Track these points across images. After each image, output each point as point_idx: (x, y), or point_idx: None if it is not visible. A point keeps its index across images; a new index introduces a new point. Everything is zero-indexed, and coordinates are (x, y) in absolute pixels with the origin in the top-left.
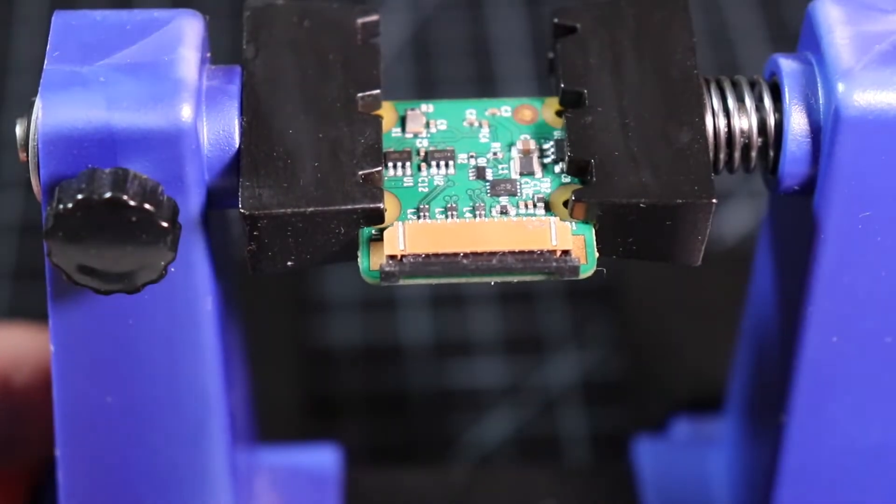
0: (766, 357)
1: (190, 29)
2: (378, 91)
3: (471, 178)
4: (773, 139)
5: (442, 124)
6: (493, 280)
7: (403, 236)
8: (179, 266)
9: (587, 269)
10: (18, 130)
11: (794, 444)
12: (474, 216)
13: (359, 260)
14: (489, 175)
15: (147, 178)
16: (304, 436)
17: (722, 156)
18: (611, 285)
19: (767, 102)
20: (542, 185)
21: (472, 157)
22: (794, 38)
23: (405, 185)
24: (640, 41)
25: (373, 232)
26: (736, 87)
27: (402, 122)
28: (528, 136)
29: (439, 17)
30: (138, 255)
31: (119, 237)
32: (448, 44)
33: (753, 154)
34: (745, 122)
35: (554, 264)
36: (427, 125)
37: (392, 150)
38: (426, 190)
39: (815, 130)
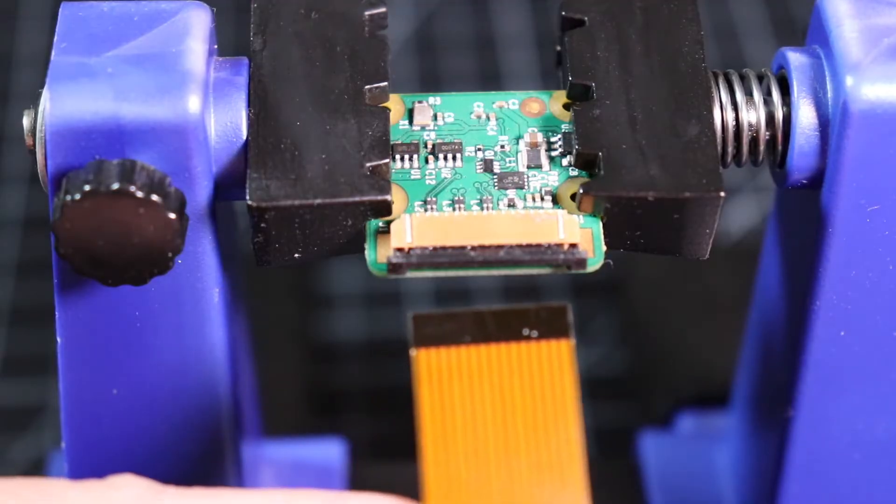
0: (772, 351)
1: (197, 20)
2: (385, 83)
3: (478, 171)
4: (781, 133)
5: (449, 117)
6: (500, 273)
7: (411, 228)
8: (186, 258)
9: (595, 263)
10: (25, 122)
11: (801, 438)
12: (482, 209)
13: (366, 252)
14: (496, 168)
15: (154, 169)
16: (309, 430)
17: (730, 149)
18: (616, 280)
19: (776, 96)
20: (550, 178)
21: (479, 149)
22: (800, 33)
23: (412, 177)
24: (647, 34)
25: (380, 224)
26: (744, 80)
27: (410, 114)
28: (535, 129)
29: (443, 12)
30: (145, 246)
31: (126, 228)
32: (452, 38)
33: (761, 147)
34: (753, 115)
35: (562, 257)
36: (434, 118)
37: (399, 142)
38: (433, 182)
39: (824, 124)
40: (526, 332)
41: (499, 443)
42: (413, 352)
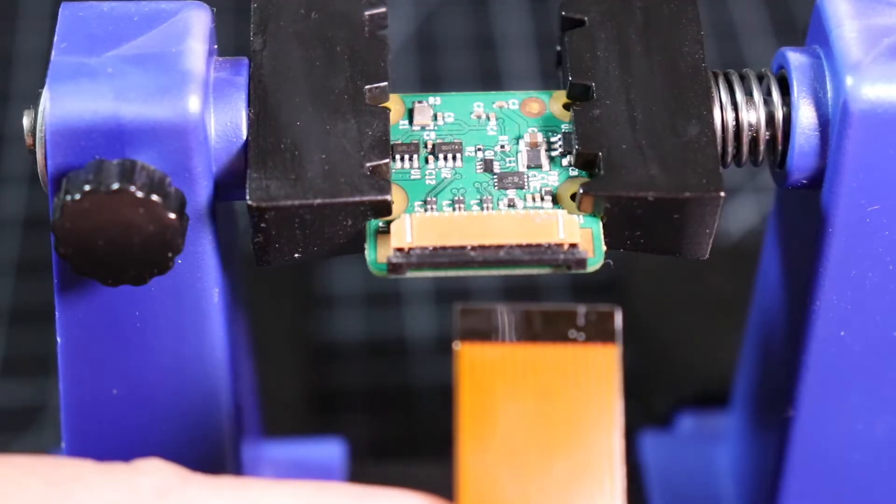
0: (772, 351)
1: (197, 20)
2: (385, 83)
3: (478, 171)
4: (781, 132)
5: (449, 117)
6: (500, 273)
7: (411, 228)
8: (186, 258)
9: (594, 263)
10: (25, 122)
11: (801, 438)
12: (482, 209)
13: (366, 252)
14: (496, 168)
15: (154, 169)
16: (309, 430)
17: (730, 149)
18: (616, 280)
19: (776, 96)
20: (550, 178)
21: (479, 149)
22: (800, 33)
23: (412, 177)
24: (647, 34)
25: (380, 224)
26: (744, 80)
27: (410, 114)
28: (535, 129)
29: (443, 12)
30: (145, 246)
31: (126, 228)
32: (452, 38)
33: (761, 147)
34: (753, 115)
35: (561, 257)
36: (434, 118)
37: (399, 142)
38: (433, 182)
39: (824, 124)
40: (572, 334)
41: (536, 445)
42: (456, 345)
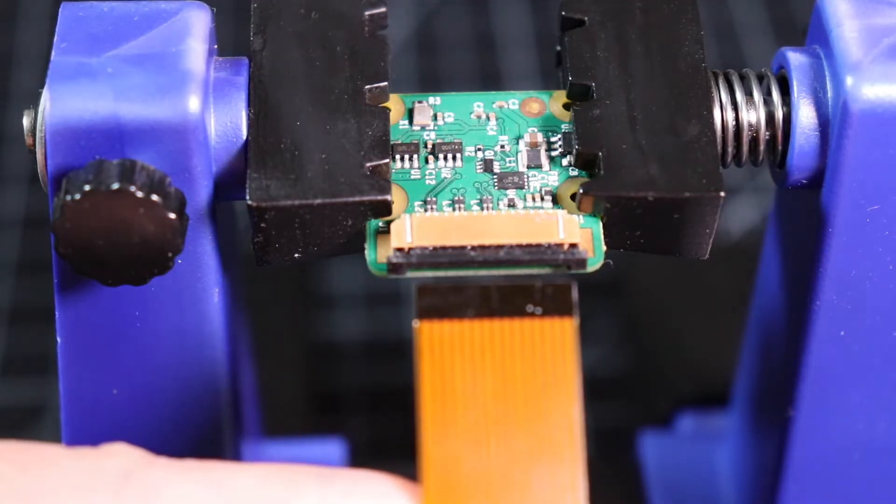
0: (772, 351)
1: (197, 20)
2: (385, 83)
3: (478, 171)
4: (781, 132)
5: (449, 117)
6: (500, 273)
7: (411, 228)
8: (186, 258)
9: (595, 263)
10: (25, 122)
11: (801, 438)
12: (482, 209)
13: (366, 252)
14: (496, 168)
15: (154, 169)
16: (309, 431)
17: (730, 149)
18: (616, 280)
19: (776, 96)
20: (550, 178)
21: (479, 149)
22: (800, 33)
23: (412, 177)
24: (647, 34)
25: (380, 224)
26: (744, 80)
27: (410, 114)
28: (535, 129)
29: (443, 12)
30: (145, 246)
31: (126, 228)
32: (452, 38)
33: (761, 147)
34: (753, 115)
35: (561, 257)
36: (434, 118)
37: (399, 142)
38: (433, 182)
39: (824, 124)
40: (530, 308)
41: (498, 419)
42: (416, 323)
